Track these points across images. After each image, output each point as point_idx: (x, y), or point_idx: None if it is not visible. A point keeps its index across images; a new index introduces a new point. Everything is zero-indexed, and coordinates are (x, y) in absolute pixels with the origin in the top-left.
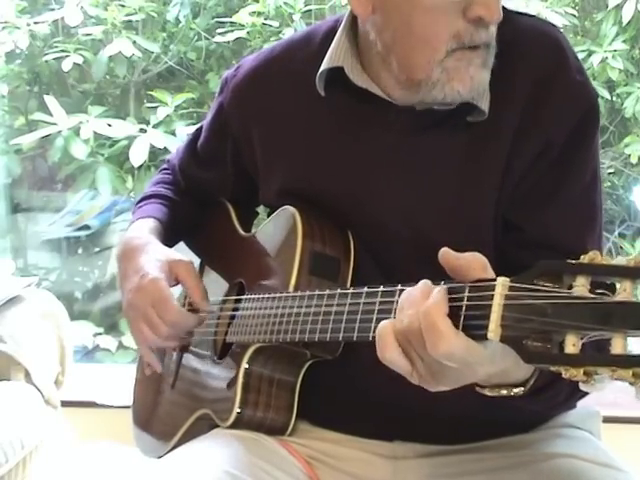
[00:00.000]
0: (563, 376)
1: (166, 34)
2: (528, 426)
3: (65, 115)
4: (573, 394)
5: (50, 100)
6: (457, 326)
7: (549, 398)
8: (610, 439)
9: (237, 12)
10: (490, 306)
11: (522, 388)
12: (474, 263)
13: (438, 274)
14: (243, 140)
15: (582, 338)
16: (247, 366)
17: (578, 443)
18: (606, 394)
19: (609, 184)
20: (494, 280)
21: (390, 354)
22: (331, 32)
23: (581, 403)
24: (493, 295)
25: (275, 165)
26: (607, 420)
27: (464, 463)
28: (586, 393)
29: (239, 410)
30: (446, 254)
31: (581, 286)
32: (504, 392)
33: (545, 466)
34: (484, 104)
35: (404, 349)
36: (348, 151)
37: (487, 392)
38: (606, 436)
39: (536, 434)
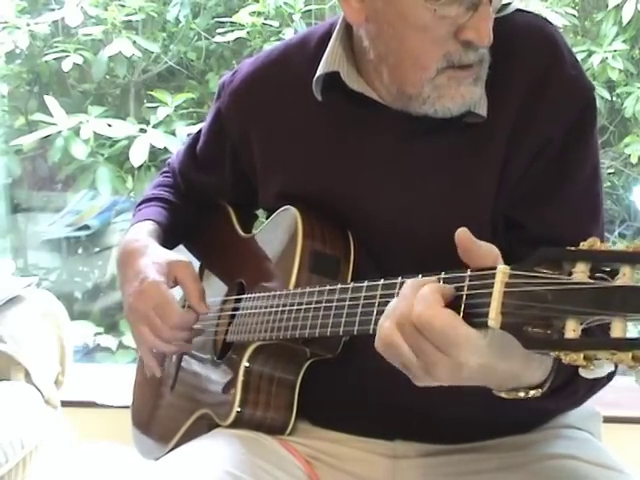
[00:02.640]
0: (563, 361)
1: (166, 34)
2: (528, 426)
3: (65, 115)
4: (592, 389)
5: (50, 100)
6: (458, 314)
7: (569, 395)
8: (610, 439)
9: (237, 12)
10: (490, 294)
11: (539, 390)
12: (487, 251)
13: (437, 271)
14: (241, 144)
15: (582, 323)
16: (247, 364)
17: (578, 444)
18: (606, 394)
19: (609, 184)
20: (494, 268)
21: (388, 340)
22: (326, 36)
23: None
24: (493, 283)
25: (274, 169)
26: (607, 420)
27: (464, 463)
28: (603, 386)
29: (239, 409)
30: (463, 233)
31: (581, 272)
32: (521, 395)
33: (545, 467)
34: (481, 109)
35: (410, 340)
36: (345, 154)
37: (504, 395)
38: (606, 436)
39: (536, 434)
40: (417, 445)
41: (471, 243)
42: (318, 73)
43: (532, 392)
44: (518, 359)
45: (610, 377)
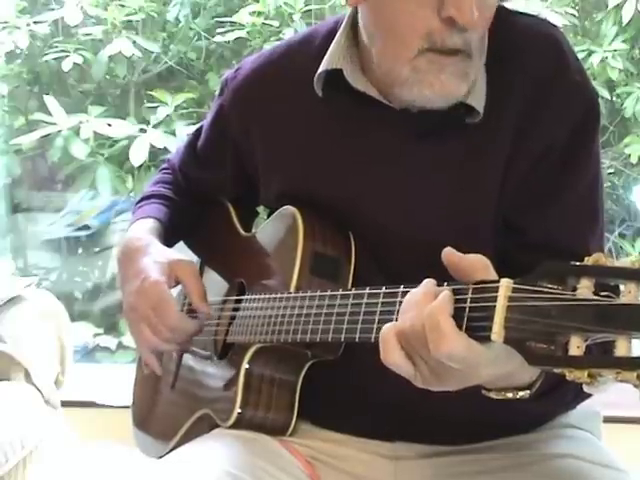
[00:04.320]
0: (567, 378)
1: (166, 34)
2: (529, 427)
3: (65, 115)
4: (580, 394)
5: (50, 100)
6: (460, 327)
7: (557, 399)
8: (610, 439)
9: (237, 12)
10: (494, 307)
11: (528, 391)
12: (477, 264)
13: (439, 276)
14: (243, 141)
15: (586, 340)
16: (248, 366)
17: (579, 443)
18: (606, 394)
19: (609, 184)
20: (497, 281)
21: (393, 358)
22: (331, 34)
23: (581, 403)
24: (497, 297)
25: (275, 167)
26: (607, 420)
27: (465, 464)
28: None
29: (240, 410)
30: (449, 254)
31: (585, 288)
32: (510, 395)
33: (546, 466)
34: (478, 103)
35: (407, 351)
36: (347, 154)
37: (493, 395)
38: (606, 436)
39: (537, 434)
40: (418, 446)
41: (458, 260)
42: (320, 69)
43: (521, 393)
44: (517, 359)
45: None
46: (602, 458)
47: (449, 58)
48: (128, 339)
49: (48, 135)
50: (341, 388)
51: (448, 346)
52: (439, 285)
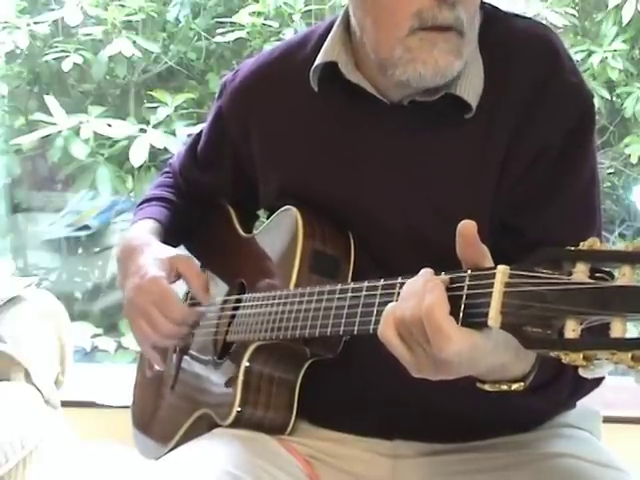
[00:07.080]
0: (563, 361)
1: (166, 34)
2: (528, 425)
3: (65, 115)
4: (576, 391)
5: (50, 100)
6: (457, 314)
7: (551, 395)
8: (610, 439)
9: (237, 12)
10: (490, 294)
11: (522, 383)
12: (487, 252)
13: (437, 271)
14: (242, 143)
15: (582, 323)
16: (247, 364)
17: (578, 443)
18: (606, 394)
19: (609, 184)
20: (494, 268)
21: (388, 337)
22: (327, 32)
23: (581, 403)
24: (493, 283)
25: (273, 167)
26: (607, 420)
27: (464, 462)
28: (589, 391)
29: (239, 409)
30: (472, 227)
31: (580, 272)
32: (504, 387)
33: (545, 466)
34: (470, 96)
35: (405, 338)
36: (343, 150)
37: (487, 388)
38: (606, 436)
39: (536, 433)
40: (417, 444)
41: (475, 239)
42: (316, 62)
43: (515, 385)
44: (512, 350)
45: (598, 382)
46: (601, 458)
47: (441, 35)
48: (127, 340)
49: (48, 135)
50: (340, 387)
51: (452, 348)
52: (437, 274)
